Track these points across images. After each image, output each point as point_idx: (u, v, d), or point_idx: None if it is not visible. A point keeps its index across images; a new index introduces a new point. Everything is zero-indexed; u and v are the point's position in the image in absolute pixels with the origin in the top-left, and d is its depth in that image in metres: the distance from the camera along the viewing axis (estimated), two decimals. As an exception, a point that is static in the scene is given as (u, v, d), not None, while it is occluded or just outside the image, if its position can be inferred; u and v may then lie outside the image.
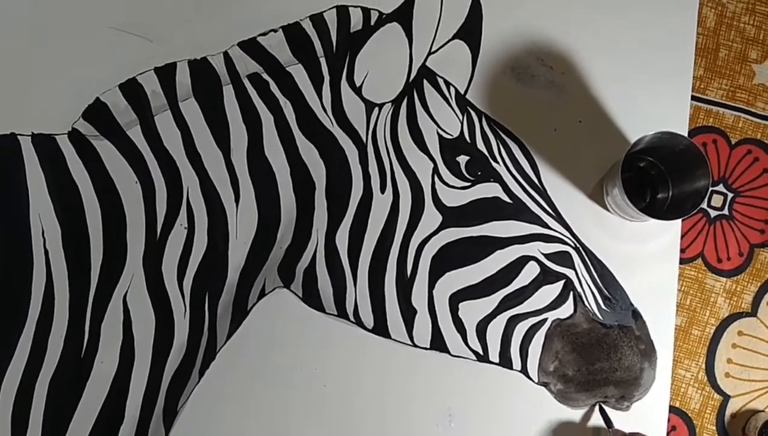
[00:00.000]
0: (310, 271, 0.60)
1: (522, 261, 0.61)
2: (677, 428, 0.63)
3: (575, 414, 0.62)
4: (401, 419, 0.61)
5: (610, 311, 0.62)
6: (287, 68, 0.61)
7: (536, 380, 0.62)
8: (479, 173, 0.61)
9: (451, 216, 0.61)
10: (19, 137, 0.59)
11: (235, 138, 0.60)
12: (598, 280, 0.62)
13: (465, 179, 0.61)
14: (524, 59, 0.64)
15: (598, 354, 0.61)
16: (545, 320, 0.61)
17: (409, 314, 0.61)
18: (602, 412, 0.60)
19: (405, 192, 0.61)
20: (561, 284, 0.61)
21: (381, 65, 0.61)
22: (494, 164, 0.62)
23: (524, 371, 0.62)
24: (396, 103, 0.62)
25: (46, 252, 0.57)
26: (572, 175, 0.64)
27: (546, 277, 0.61)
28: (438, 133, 0.62)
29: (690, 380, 0.64)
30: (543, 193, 0.63)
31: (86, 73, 0.60)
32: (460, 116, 0.63)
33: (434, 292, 0.61)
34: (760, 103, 0.66)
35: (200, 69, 0.61)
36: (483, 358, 0.61)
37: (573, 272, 0.62)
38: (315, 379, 0.61)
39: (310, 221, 0.60)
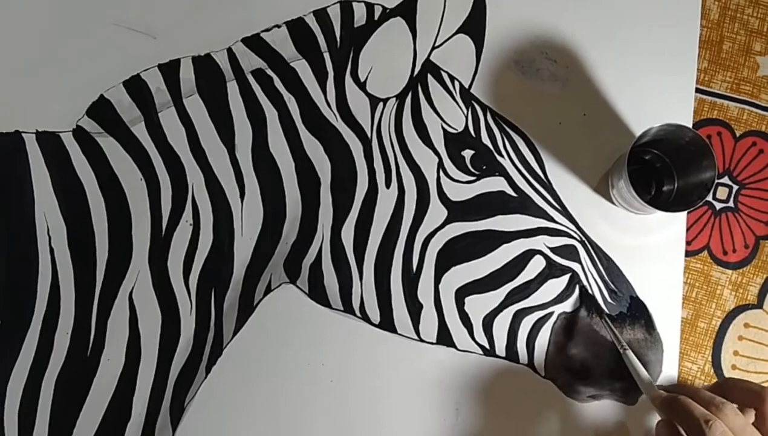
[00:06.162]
0: (316, 266, 0.60)
1: (528, 255, 0.61)
2: (684, 420, 0.63)
3: (582, 407, 0.62)
4: (408, 413, 0.61)
5: (616, 304, 0.62)
6: (291, 64, 0.61)
7: (543, 374, 0.62)
8: (484, 167, 0.61)
9: (457, 210, 0.61)
10: (23, 135, 0.59)
11: (240, 134, 0.60)
12: (603, 273, 0.62)
13: (470, 173, 0.61)
14: (528, 53, 0.64)
15: (605, 347, 0.61)
16: (551, 313, 0.61)
17: (415, 309, 0.61)
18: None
19: (410, 187, 0.61)
20: (567, 277, 0.61)
21: (385, 60, 0.61)
22: (499, 158, 0.62)
23: (531, 364, 0.62)
24: (400, 97, 0.61)
25: (52, 250, 0.57)
26: (577, 168, 0.63)
27: (552, 270, 0.61)
28: (443, 128, 0.62)
29: (697, 372, 0.63)
30: (548, 186, 0.63)
31: (90, 70, 0.60)
32: (465, 110, 0.62)
33: (440, 286, 0.60)
34: (764, 96, 0.66)
35: (204, 65, 0.61)
36: (489, 352, 0.61)
37: (579, 265, 0.62)
38: (321, 374, 0.61)
39: (316, 217, 0.60)
